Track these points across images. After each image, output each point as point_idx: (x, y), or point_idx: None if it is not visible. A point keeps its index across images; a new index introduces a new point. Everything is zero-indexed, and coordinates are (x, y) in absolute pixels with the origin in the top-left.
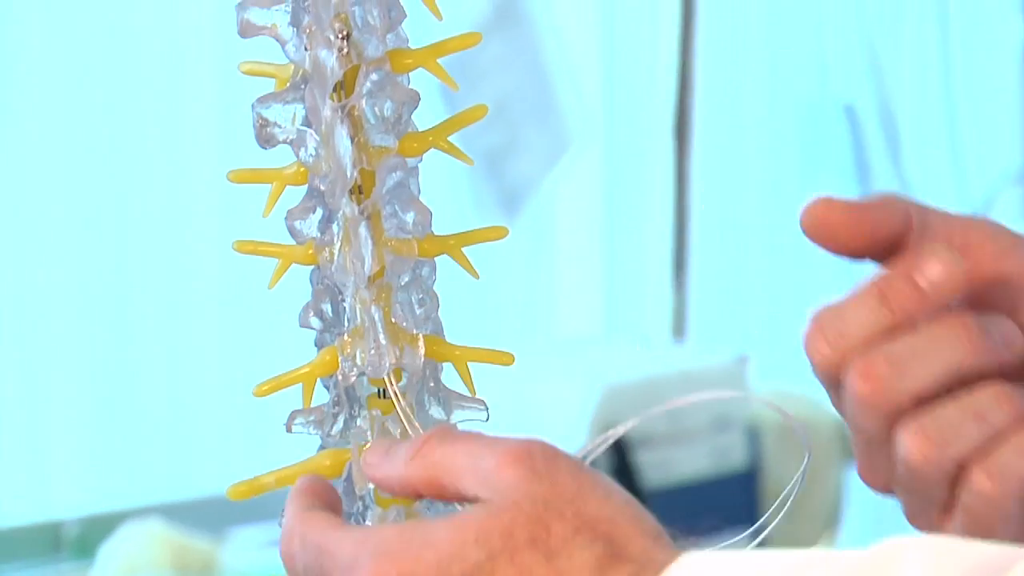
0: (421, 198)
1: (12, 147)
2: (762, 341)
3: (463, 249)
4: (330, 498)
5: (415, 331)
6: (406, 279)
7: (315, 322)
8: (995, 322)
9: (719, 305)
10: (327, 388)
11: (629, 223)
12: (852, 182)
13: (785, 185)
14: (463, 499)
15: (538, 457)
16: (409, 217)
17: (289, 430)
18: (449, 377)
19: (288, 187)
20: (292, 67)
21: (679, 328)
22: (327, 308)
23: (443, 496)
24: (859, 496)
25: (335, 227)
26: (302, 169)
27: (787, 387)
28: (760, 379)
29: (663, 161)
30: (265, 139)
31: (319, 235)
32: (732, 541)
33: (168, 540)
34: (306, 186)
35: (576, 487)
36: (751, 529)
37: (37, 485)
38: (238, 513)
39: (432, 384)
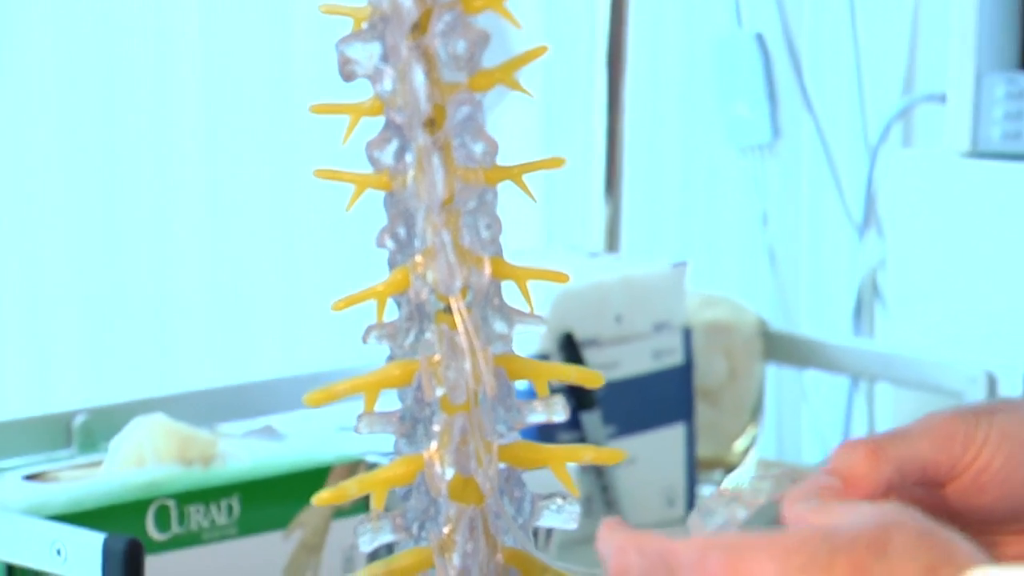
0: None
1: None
2: (687, 250)
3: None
4: None
5: (481, 253)
6: (473, 205)
7: (390, 243)
8: None
9: (647, 218)
10: (398, 305)
11: (566, 146)
12: (763, 104)
13: (703, 109)
14: None
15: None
16: (478, 148)
17: (365, 342)
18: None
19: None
20: (369, 8)
21: (613, 240)
22: (401, 231)
23: None
24: (777, 390)
25: (409, 157)
26: (378, 103)
27: (714, 291)
28: (693, 284)
29: (598, 89)
30: (347, 74)
31: (394, 163)
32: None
33: (173, 432)
34: (382, 118)
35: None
36: None
37: (45, 378)
38: (227, 408)
39: (496, 301)
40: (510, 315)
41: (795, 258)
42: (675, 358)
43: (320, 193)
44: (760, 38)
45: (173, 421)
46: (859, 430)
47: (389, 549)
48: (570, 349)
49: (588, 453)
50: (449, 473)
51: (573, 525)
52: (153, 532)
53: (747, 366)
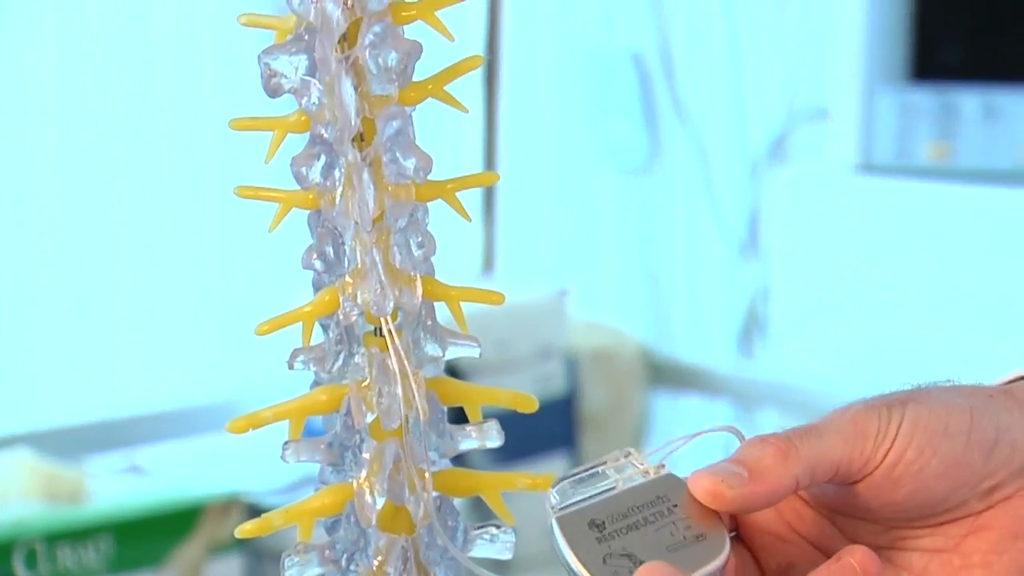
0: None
1: None
2: (564, 273)
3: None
4: None
5: (413, 272)
6: (404, 222)
7: (318, 264)
8: None
9: (523, 241)
10: (324, 328)
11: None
12: (640, 123)
13: (579, 129)
14: None
15: None
16: (410, 163)
17: (291, 367)
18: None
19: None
20: (293, 19)
21: (488, 263)
22: (329, 250)
23: None
24: (662, 418)
25: (337, 173)
26: (304, 117)
27: (594, 317)
28: (576, 311)
29: (473, 108)
30: (273, 88)
31: (322, 180)
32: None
33: (37, 468)
34: (308, 134)
35: None
36: None
37: None
38: (96, 440)
39: (429, 323)
40: (443, 337)
41: (675, 281)
42: (558, 386)
43: (186, 223)
44: (636, 57)
45: (38, 457)
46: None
47: None
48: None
49: (523, 480)
50: (380, 502)
51: (508, 555)
52: (22, 573)
53: (630, 393)
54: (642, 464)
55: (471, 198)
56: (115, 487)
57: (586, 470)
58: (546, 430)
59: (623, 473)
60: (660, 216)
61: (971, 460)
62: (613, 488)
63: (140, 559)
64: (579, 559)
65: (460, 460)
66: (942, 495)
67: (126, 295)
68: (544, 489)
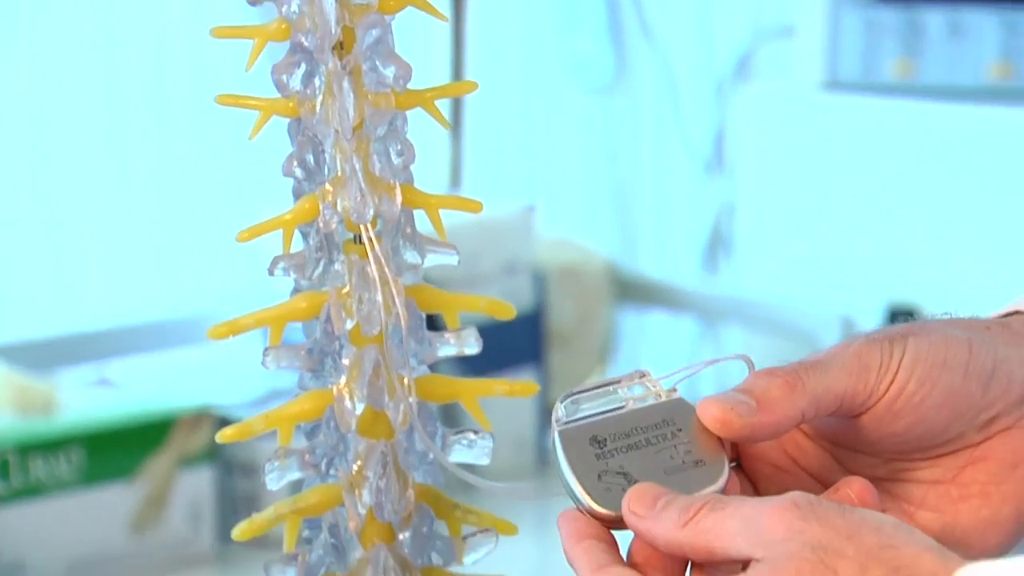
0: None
1: None
2: (531, 190)
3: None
4: (603, 535)
5: (392, 180)
6: (383, 130)
7: (298, 171)
8: None
9: (491, 157)
10: (304, 236)
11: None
12: (606, 41)
13: (546, 47)
14: (734, 562)
15: (801, 504)
16: (389, 72)
17: (271, 274)
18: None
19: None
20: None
21: (456, 179)
22: (309, 158)
23: (712, 560)
24: (628, 333)
25: (317, 81)
26: (284, 25)
27: (560, 233)
28: (543, 227)
29: (440, 25)
30: None
31: (302, 89)
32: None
33: (9, 381)
34: (288, 42)
35: (846, 523)
36: None
37: None
38: (67, 354)
39: (408, 230)
40: (421, 244)
41: (641, 199)
42: (525, 301)
43: (158, 133)
44: None
45: (9, 370)
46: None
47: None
48: None
49: (501, 386)
50: (360, 407)
51: (486, 460)
52: None
53: (597, 309)
54: (654, 387)
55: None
56: (86, 400)
57: (597, 387)
58: (513, 345)
59: (634, 393)
60: (626, 134)
61: (969, 391)
62: (622, 407)
63: (111, 471)
64: (575, 473)
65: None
66: (941, 426)
67: (98, 207)
68: (523, 395)
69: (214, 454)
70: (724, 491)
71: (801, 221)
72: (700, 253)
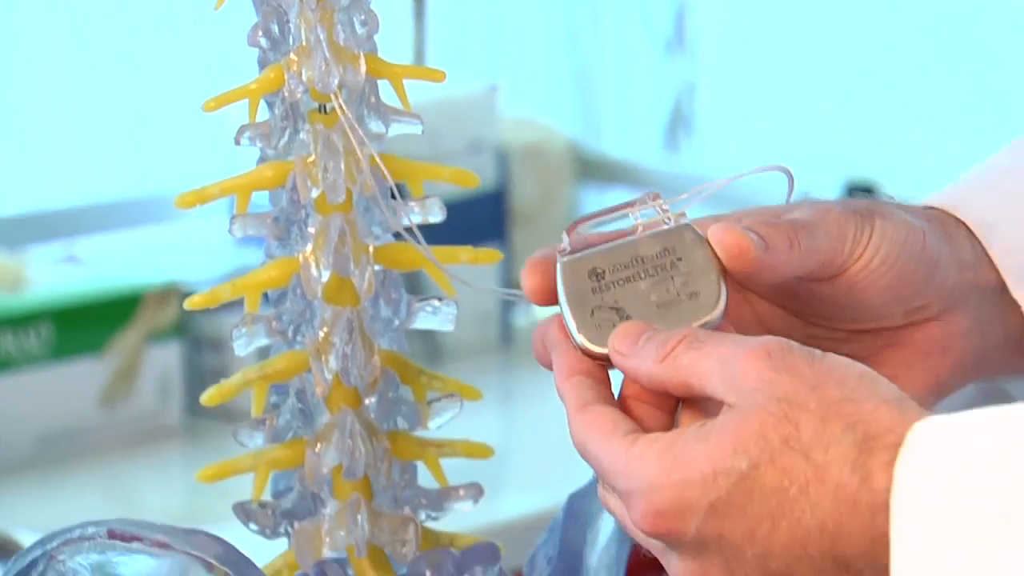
0: None
1: None
2: (494, 70)
3: None
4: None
5: (356, 50)
6: (347, 1)
7: (263, 41)
8: None
9: (453, 36)
10: (270, 106)
11: None
12: None
13: None
14: (710, 399)
15: (774, 353)
16: None
17: (238, 143)
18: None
19: None
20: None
21: (419, 58)
22: (274, 28)
23: (692, 395)
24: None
25: None
26: None
27: (524, 112)
28: (506, 106)
29: None
30: None
31: None
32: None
33: None
34: None
35: (813, 373)
36: None
37: None
38: (35, 231)
39: (372, 100)
40: (386, 114)
41: (603, 78)
42: (488, 180)
43: (118, 9)
44: None
45: None
46: None
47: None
48: None
49: (465, 254)
50: (325, 275)
51: (450, 327)
52: None
53: (559, 188)
54: (664, 210)
55: None
56: (54, 277)
57: (607, 212)
58: (476, 224)
59: (644, 219)
60: (588, 13)
61: (917, 278)
62: (629, 235)
63: (80, 346)
64: (571, 309)
65: None
66: (882, 305)
67: (64, 83)
68: (487, 262)
69: (182, 329)
70: (721, 322)
71: (761, 99)
72: (661, 132)
